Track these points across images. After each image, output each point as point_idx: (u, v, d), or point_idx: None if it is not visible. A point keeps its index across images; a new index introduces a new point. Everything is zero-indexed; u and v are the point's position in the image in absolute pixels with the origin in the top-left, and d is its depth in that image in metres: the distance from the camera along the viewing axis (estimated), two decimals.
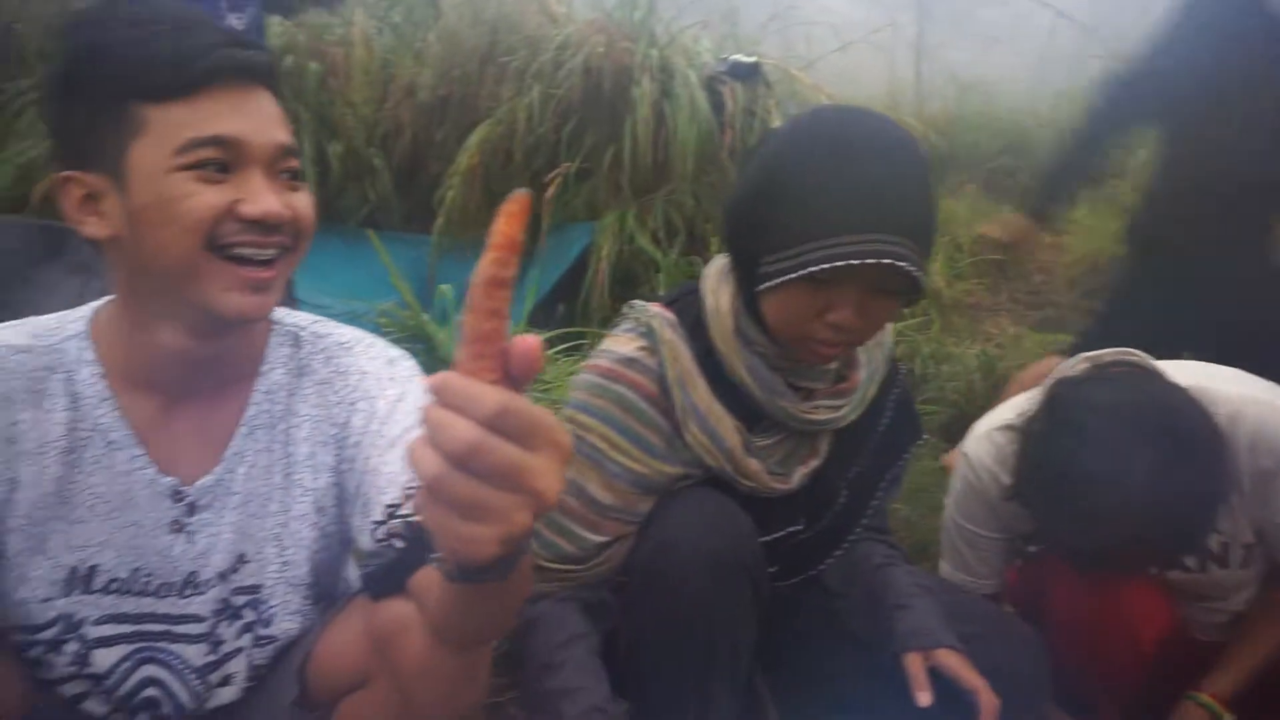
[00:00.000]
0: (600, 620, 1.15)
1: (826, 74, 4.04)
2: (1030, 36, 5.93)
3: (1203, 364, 1.34)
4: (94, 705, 0.95)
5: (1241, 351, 1.39)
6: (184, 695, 0.96)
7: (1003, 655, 1.16)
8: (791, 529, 1.20)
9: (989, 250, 3.60)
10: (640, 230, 3.33)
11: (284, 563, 0.98)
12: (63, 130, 0.89)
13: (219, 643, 0.97)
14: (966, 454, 1.37)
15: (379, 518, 0.91)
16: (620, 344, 1.17)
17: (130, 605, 0.93)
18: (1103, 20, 5.35)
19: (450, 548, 0.51)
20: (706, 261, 3.53)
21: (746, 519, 1.10)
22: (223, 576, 0.96)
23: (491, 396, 0.47)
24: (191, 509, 0.94)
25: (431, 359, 2.34)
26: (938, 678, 1.13)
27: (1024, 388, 1.42)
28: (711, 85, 3.53)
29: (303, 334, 1.02)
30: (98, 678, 0.93)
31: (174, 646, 0.95)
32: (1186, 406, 1.15)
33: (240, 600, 0.97)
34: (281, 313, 1.02)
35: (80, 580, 0.92)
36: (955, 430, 2.43)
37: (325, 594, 1.03)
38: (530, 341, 0.50)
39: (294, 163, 0.90)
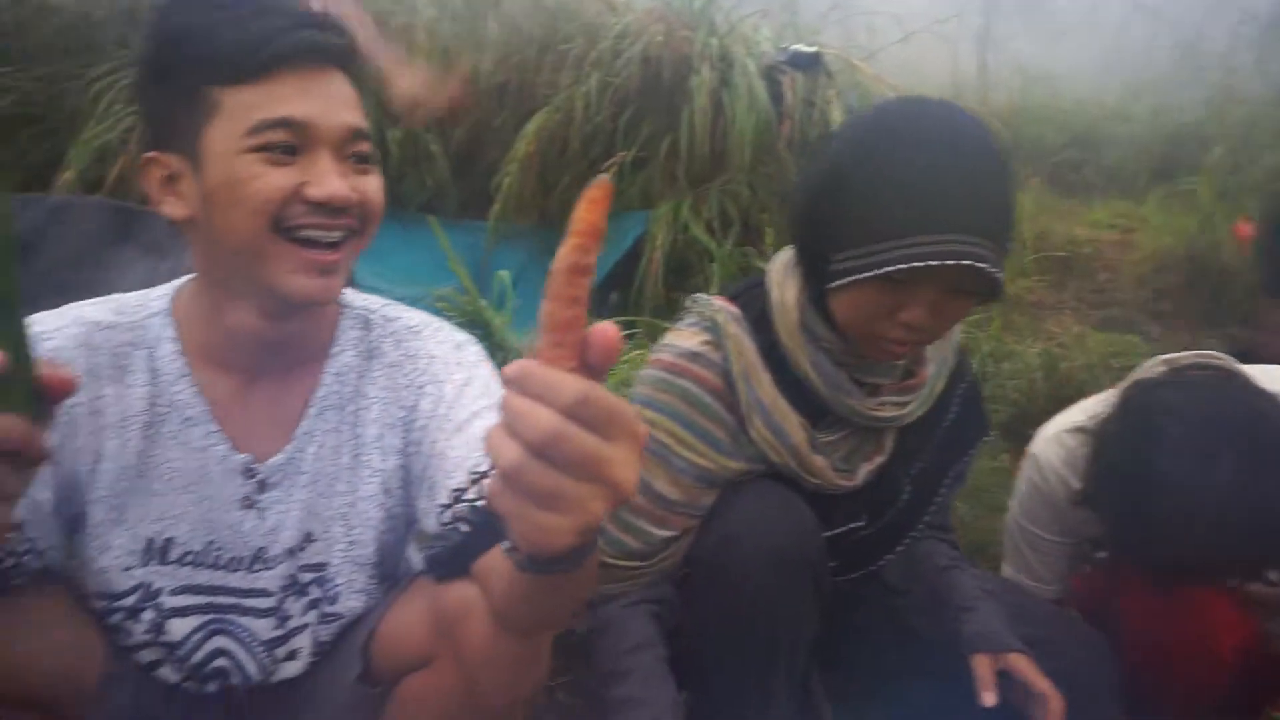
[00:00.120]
0: (667, 622, 1.14)
1: (889, 65, 3.96)
2: (1101, 27, 5.76)
3: None
4: (167, 673, 0.97)
5: None
6: (252, 667, 0.99)
7: (1070, 661, 1.14)
8: (853, 525, 1.18)
9: (1052, 246, 3.52)
10: (695, 220, 3.32)
11: (350, 542, 0.99)
12: (147, 112, 0.92)
13: (286, 618, 0.99)
14: (1034, 455, 1.33)
15: (445, 501, 0.92)
16: (684, 338, 1.15)
17: (203, 577, 0.96)
18: (1178, 10, 5.17)
19: (525, 537, 0.50)
20: (761, 253, 3.50)
21: (810, 514, 1.09)
22: (290, 553, 0.97)
23: (572, 385, 0.47)
24: (262, 486, 0.96)
25: (488, 344, 2.36)
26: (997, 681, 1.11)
27: None
28: (771, 75, 3.49)
29: (373, 317, 1.03)
30: (171, 646, 0.96)
31: (243, 619, 0.97)
32: (1272, 412, 1.10)
33: (307, 577, 0.99)
34: (352, 295, 1.04)
35: (157, 551, 0.94)
36: (1015, 430, 2.38)
37: (389, 574, 1.04)
38: (609, 330, 0.49)
39: (364, 146, 0.90)
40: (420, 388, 0.99)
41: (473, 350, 1.03)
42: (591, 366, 0.49)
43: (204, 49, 0.86)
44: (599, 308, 2.98)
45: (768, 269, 1.20)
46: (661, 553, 1.13)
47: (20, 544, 0.85)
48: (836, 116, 3.40)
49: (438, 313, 1.10)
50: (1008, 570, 1.43)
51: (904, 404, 1.16)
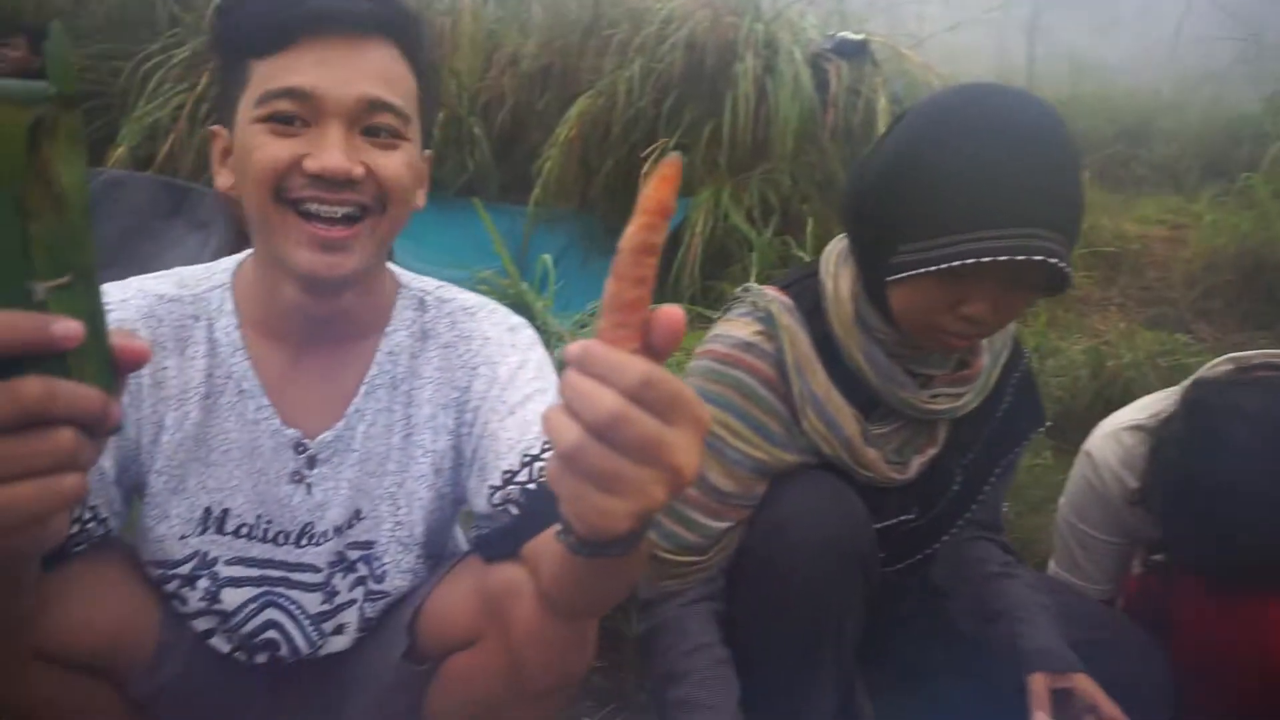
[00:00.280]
0: (724, 617, 1.13)
1: (936, 54, 3.90)
2: (1157, 16, 5.61)
3: None
4: (219, 643, 0.99)
5: None
6: (300, 640, 0.99)
7: (1123, 665, 1.11)
8: (904, 517, 1.16)
9: (1101, 242, 3.45)
10: (735, 208, 3.29)
11: (397, 522, 0.99)
12: (213, 86, 0.93)
13: (333, 593, 0.99)
14: (1089, 453, 1.30)
15: (496, 483, 0.92)
16: (737, 328, 1.14)
17: (256, 550, 0.97)
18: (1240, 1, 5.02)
19: (582, 519, 0.50)
20: (801, 242, 3.47)
21: (861, 505, 1.07)
22: (339, 530, 0.98)
23: (636, 366, 0.46)
24: (311, 462, 0.97)
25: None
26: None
27: None
28: (816, 63, 3.45)
29: (428, 298, 1.03)
30: (225, 615, 0.97)
31: (292, 593, 0.98)
32: None
33: (354, 554, 0.99)
34: (408, 276, 1.04)
35: (215, 521, 0.95)
36: (1059, 427, 2.34)
37: (436, 553, 1.05)
38: (674, 312, 0.48)
39: (384, 119, 0.86)
40: (474, 369, 0.99)
41: (526, 333, 1.03)
42: (654, 349, 0.48)
43: (240, 23, 0.86)
44: None
45: (821, 259, 1.18)
46: (716, 545, 1.12)
47: (83, 512, 0.87)
48: (882, 106, 3.36)
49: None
50: (1056, 568, 1.41)
51: (958, 396, 1.14)
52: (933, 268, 0.96)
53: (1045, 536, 1.96)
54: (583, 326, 2.61)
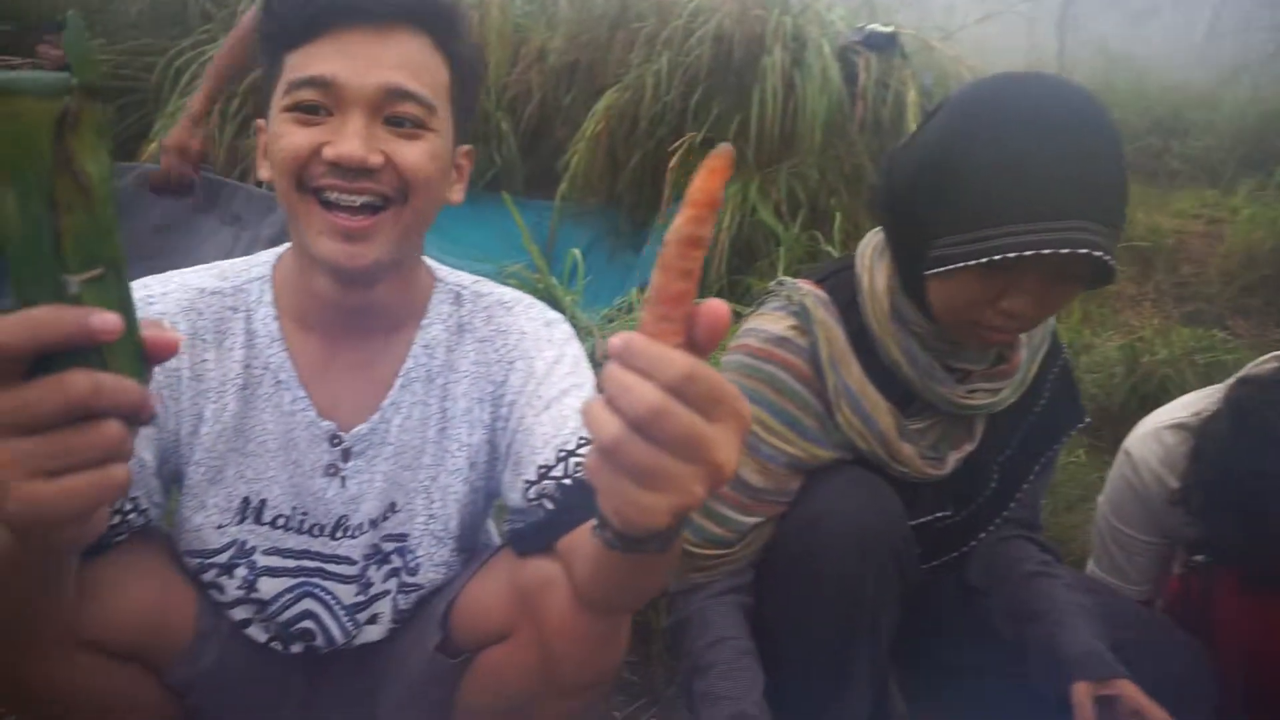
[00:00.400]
0: (751, 612, 1.12)
1: (966, 45, 3.85)
2: (1192, 7, 5.50)
3: None
4: (256, 631, 0.99)
5: None
6: (336, 630, 1.00)
7: (1165, 666, 1.09)
8: (939, 514, 1.15)
9: (1134, 236, 3.40)
10: (763, 202, 3.27)
11: (431, 515, 1.00)
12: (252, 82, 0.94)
13: (368, 585, 1.00)
14: (1129, 452, 1.28)
15: (531, 478, 0.92)
16: (770, 322, 1.13)
17: (292, 541, 0.97)
18: None
19: (620, 514, 0.49)
20: (829, 237, 3.44)
21: (897, 500, 1.06)
22: (373, 524, 0.98)
23: (678, 361, 0.46)
24: (346, 455, 0.97)
25: None
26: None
27: None
28: (845, 55, 3.42)
29: (464, 292, 1.03)
30: (262, 604, 0.97)
31: (328, 584, 0.99)
32: None
33: (389, 547, 1.00)
34: (445, 271, 1.04)
35: (253, 511, 0.96)
36: (1094, 425, 2.31)
37: (469, 546, 1.05)
38: (719, 307, 0.48)
39: (408, 107, 0.86)
40: (510, 363, 0.99)
41: (563, 328, 1.02)
42: (697, 344, 0.48)
43: (277, 15, 0.87)
44: None
45: (856, 252, 1.16)
46: (744, 539, 1.11)
47: (124, 503, 0.88)
48: (911, 99, 3.32)
49: None
50: (1094, 568, 1.38)
51: (996, 391, 1.12)
52: (974, 261, 0.95)
53: (1080, 535, 1.94)
54: (610, 321, 2.60)
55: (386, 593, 1.01)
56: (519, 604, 0.91)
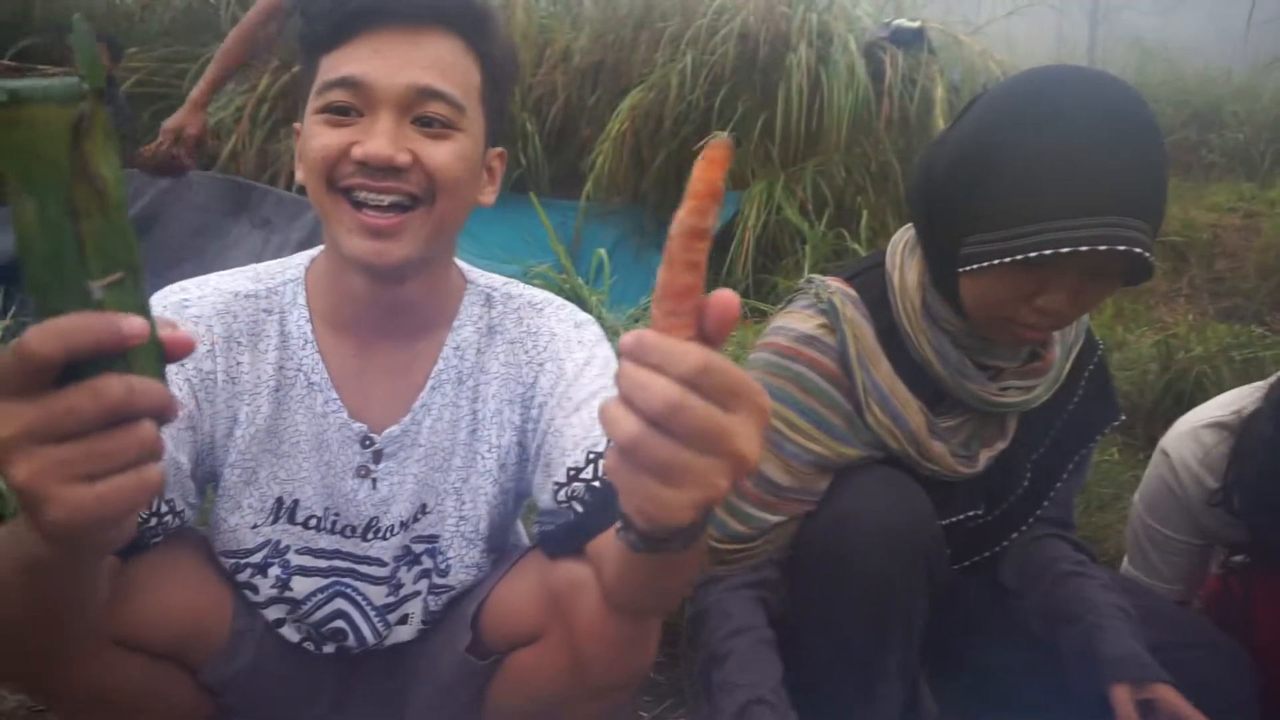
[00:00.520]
0: (774, 608, 1.12)
1: (995, 40, 3.81)
2: None
3: None
4: (289, 631, 1.01)
5: None
6: (367, 630, 1.01)
7: (1204, 668, 1.07)
8: (971, 513, 1.14)
9: (1168, 231, 3.34)
10: (788, 200, 3.26)
11: (461, 517, 1.00)
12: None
13: (399, 585, 1.01)
14: (1166, 452, 1.26)
15: (560, 479, 0.92)
16: (798, 320, 1.12)
17: (324, 541, 0.98)
18: None
19: (642, 512, 0.49)
20: (854, 235, 3.41)
21: (927, 500, 1.05)
22: (404, 525, 0.99)
23: (692, 353, 0.45)
24: (378, 456, 0.98)
25: None
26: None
27: None
28: (871, 52, 3.40)
29: (495, 294, 1.03)
30: (295, 603, 0.99)
31: (359, 584, 1.00)
32: None
33: (420, 548, 1.00)
34: (475, 273, 1.04)
35: (286, 511, 0.97)
36: (1128, 423, 2.27)
37: (498, 547, 1.05)
38: (728, 297, 0.47)
39: (437, 107, 0.86)
40: (540, 364, 0.99)
41: (593, 329, 1.02)
42: (708, 335, 0.47)
43: (311, 19, 0.88)
44: None
45: (887, 249, 1.15)
46: (766, 535, 1.11)
47: (160, 505, 0.89)
48: (939, 94, 3.29)
49: None
50: (1129, 568, 1.36)
51: (1029, 388, 1.10)
52: (1009, 258, 0.93)
53: (1113, 534, 1.91)
54: (636, 320, 2.61)
55: (417, 594, 1.01)
56: (549, 606, 0.91)
